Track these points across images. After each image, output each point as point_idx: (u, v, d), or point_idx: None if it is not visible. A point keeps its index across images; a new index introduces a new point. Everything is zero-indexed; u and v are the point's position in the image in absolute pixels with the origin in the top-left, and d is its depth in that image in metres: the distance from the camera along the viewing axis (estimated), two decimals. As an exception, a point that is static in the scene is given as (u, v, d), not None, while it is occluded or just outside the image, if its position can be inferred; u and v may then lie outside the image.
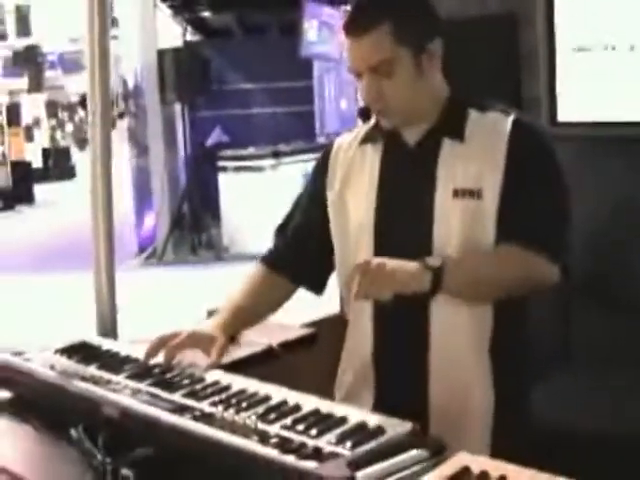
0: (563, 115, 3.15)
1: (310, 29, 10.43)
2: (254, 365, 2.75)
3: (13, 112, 18.80)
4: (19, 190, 17.09)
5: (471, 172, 2.01)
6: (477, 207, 2.00)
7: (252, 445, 1.54)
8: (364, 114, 2.28)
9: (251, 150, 10.26)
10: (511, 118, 2.06)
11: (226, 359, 2.76)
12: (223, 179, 9.98)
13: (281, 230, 2.37)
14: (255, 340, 2.90)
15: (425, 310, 2.04)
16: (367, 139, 2.19)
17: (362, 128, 2.25)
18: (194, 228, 10.15)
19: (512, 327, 2.10)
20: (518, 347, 2.16)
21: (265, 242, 2.50)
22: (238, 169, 9.93)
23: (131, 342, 2.36)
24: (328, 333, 2.59)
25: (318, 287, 2.32)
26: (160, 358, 2.06)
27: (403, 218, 2.08)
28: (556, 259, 2.02)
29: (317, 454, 1.50)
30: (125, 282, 2.92)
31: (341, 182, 2.19)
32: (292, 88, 11.35)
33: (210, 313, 3.01)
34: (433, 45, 2.04)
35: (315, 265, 2.29)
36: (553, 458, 2.74)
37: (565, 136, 3.17)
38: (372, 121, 2.20)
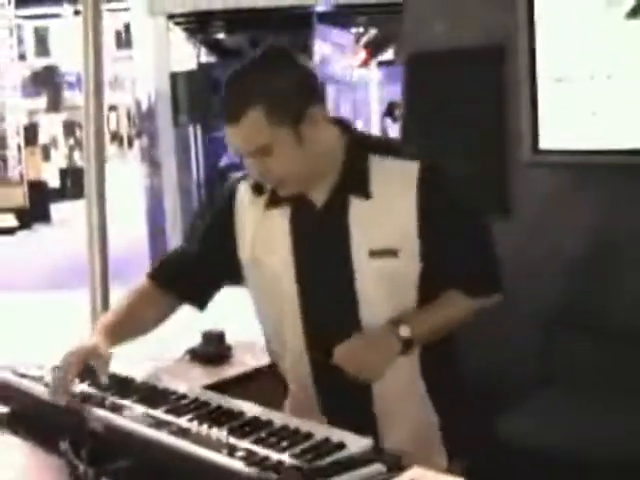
0: (545, 143, 3.24)
1: (320, 52, 10.57)
2: (244, 384, 2.88)
3: (31, 132, 19.05)
4: (36, 209, 17.29)
5: (384, 231, 2.03)
6: (395, 266, 2.04)
7: (220, 458, 1.65)
8: (256, 188, 2.22)
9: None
10: (416, 166, 2.04)
11: (218, 378, 2.89)
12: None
13: (174, 252, 2.43)
14: (246, 360, 3.03)
15: None
16: (271, 205, 2.15)
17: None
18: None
19: (440, 348, 2.17)
20: (448, 366, 2.25)
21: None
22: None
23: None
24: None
25: (202, 305, 2.36)
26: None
27: (324, 283, 2.10)
28: (493, 292, 2.20)
29: (278, 467, 1.61)
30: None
31: (252, 245, 2.18)
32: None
33: (205, 335, 3.14)
34: (312, 110, 2.00)
35: (202, 285, 2.32)
36: (526, 475, 2.86)
37: (546, 163, 3.28)
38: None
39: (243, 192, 2.23)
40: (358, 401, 2.13)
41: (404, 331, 2.03)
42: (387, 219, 2.03)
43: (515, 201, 3.46)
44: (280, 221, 2.14)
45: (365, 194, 2.05)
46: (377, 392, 2.13)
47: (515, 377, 3.26)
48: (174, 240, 10.34)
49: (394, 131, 12.43)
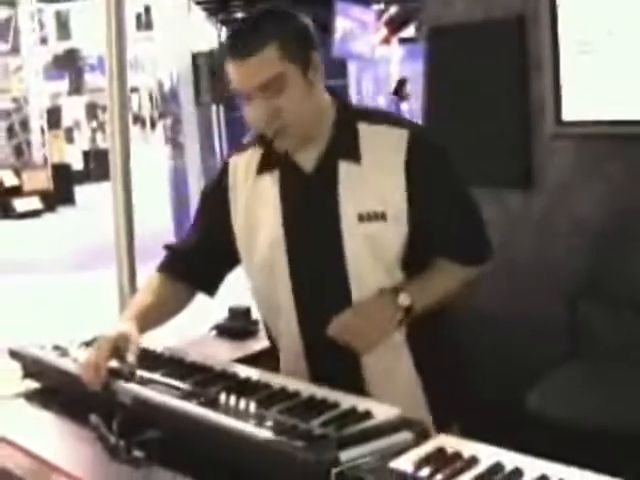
0: (568, 114, 3.23)
1: (341, 28, 10.54)
2: (271, 357, 2.90)
3: (54, 115, 19.12)
4: (60, 192, 17.38)
5: (373, 194, 2.05)
6: (382, 228, 2.05)
7: (249, 428, 1.68)
8: (261, 140, 2.21)
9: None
10: (406, 132, 2.07)
11: (245, 352, 2.91)
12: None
13: (176, 243, 2.43)
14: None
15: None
16: (262, 169, 2.18)
17: (255, 152, 2.21)
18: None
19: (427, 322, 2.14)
20: (436, 341, 2.23)
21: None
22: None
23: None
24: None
25: (211, 291, 2.37)
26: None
27: (313, 248, 2.11)
28: (485, 260, 2.22)
29: (307, 436, 1.63)
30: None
31: (245, 213, 2.20)
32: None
33: (232, 311, 3.16)
34: (315, 58, 2.05)
35: (207, 271, 2.33)
36: (560, 452, 2.86)
37: (570, 135, 3.27)
38: (262, 149, 2.18)
39: (235, 165, 2.25)
40: (347, 374, 2.11)
41: (404, 299, 2.04)
42: (376, 183, 2.05)
43: (538, 173, 3.45)
44: (270, 186, 2.16)
45: (355, 158, 2.07)
46: (366, 366, 2.13)
47: (540, 350, 3.27)
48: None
49: (402, 109, 12.35)
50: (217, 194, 2.27)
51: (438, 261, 2.15)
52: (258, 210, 2.17)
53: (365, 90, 14.84)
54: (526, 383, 3.01)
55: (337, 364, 2.10)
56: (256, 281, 2.24)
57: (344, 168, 2.07)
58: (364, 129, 2.09)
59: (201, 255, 2.32)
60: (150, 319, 2.25)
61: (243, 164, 2.23)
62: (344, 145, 2.09)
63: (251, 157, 2.21)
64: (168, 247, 2.41)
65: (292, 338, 2.20)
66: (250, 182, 2.20)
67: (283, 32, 2.00)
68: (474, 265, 2.21)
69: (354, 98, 12.47)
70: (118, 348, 2.07)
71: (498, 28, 3.45)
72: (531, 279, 3.47)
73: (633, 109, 3.13)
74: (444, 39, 3.69)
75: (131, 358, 2.05)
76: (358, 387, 2.08)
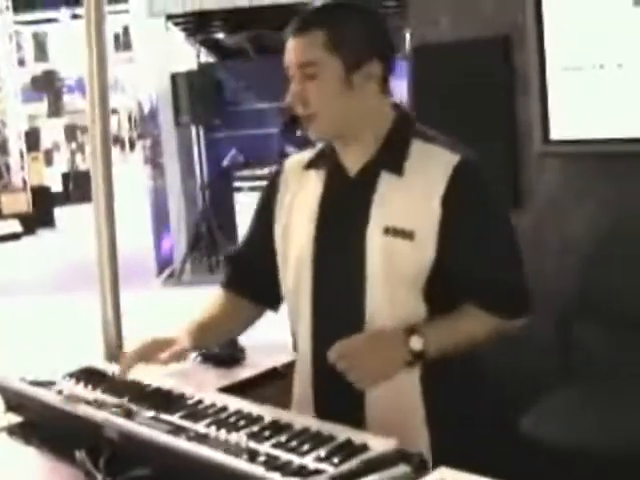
0: (555, 133, 3.21)
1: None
2: (259, 385, 2.84)
3: (32, 137, 19.00)
4: (40, 215, 17.26)
5: (405, 211, 2.00)
6: (406, 247, 1.98)
7: (241, 464, 1.62)
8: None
9: (266, 170, 10.36)
10: (457, 158, 2.01)
11: (232, 380, 2.86)
12: (239, 199, 10.09)
13: (236, 254, 2.39)
14: (259, 361, 2.99)
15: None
16: (311, 165, 2.19)
17: (310, 152, 2.24)
18: (211, 248, 10.24)
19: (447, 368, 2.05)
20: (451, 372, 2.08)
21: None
22: (253, 189, 10.03)
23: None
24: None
25: (274, 304, 2.34)
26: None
27: (338, 252, 2.08)
28: (518, 312, 2.07)
29: (302, 471, 1.57)
30: (143, 303, 3.00)
31: (287, 211, 2.19)
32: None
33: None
34: (371, 67, 2.03)
35: (269, 284, 2.26)
36: (554, 474, 2.82)
37: (557, 154, 3.25)
38: (318, 147, 2.22)
39: (289, 164, 2.27)
40: (350, 405, 2.04)
41: (415, 342, 1.94)
42: (412, 201, 1.99)
43: (527, 192, 3.42)
44: (314, 184, 2.16)
45: (397, 172, 2.03)
46: (369, 402, 2.05)
47: (532, 371, 3.22)
48: (179, 241, 10.32)
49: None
50: (266, 196, 2.29)
51: (468, 306, 2.02)
52: (297, 205, 2.17)
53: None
54: (518, 405, 2.96)
55: (341, 387, 1.99)
56: (286, 285, 2.21)
57: (385, 179, 2.04)
58: (417, 146, 2.05)
59: (254, 266, 2.30)
60: (209, 334, 2.27)
61: (296, 165, 2.24)
62: (391, 157, 2.06)
63: (305, 157, 2.23)
64: (229, 257, 2.42)
65: (305, 350, 2.16)
66: (297, 177, 2.21)
67: (340, 25, 2.02)
68: (507, 316, 2.05)
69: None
70: (161, 349, 2.14)
71: (485, 47, 3.43)
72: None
73: (620, 127, 3.11)
74: (429, 58, 3.66)
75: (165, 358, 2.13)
76: (358, 417, 2.02)
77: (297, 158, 2.27)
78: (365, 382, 1.97)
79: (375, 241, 2.01)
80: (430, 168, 2.01)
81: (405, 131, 2.09)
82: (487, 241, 2.02)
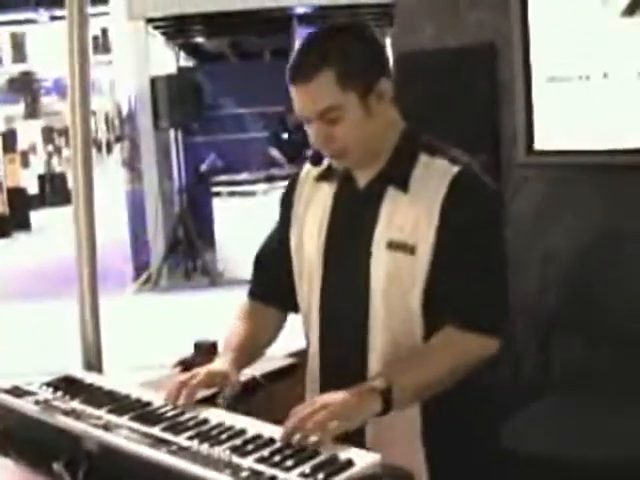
0: (539, 144, 3.19)
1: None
2: (238, 396, 2.80)
3: (9, 139, 18.83)
4: (15, 217, 17.11)
5: (409, 225, 1.99)
6: (409, 262, 1.98)
7: (224, 478, 1.58)
8: (315, 159, 2.22)
9: (245, 175, 10.32)
10: (454, 171, 2.00)
11: (212, 390, 2.81)
12: (217, 204, 10.03)
13: (259, 260, 2.39)
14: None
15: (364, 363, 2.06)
16: (322, 178, 2.19)
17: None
18: (188, 253, 10.19)
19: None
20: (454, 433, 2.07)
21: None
22: (232, 194, 9.98)
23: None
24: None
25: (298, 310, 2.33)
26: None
27: (345, 266, 2.10)
28: (495, 333, 1.99)
29: (286, 487, 1.54)
30: (119, 309, 2.95)
31: (300, 223, 2.21)
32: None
33: (197, 346, 3.05)
34: (381, 85, 2.01)
35: (293, 290, 2.27)
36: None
37: (541, 164, 3.23)
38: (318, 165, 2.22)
39: (306, 171, 2.27)
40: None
41: (380, 383, 1.85)
42: (415, 215, 1.99)
43: (509, 203, 3.40)
44: (325, 196, 2.17)
45: (403, 187, 2.03)
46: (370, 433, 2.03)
47: (515, 383, 3.21)
48: (156, 245, 10.25)
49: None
50: (283, 204, 2.31)
51: (446, 332, 1.96)
52: (309, 215, 2.19)
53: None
54: (500, 419, 2.94)
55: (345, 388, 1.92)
56: (300, 294, 2.23)
57: (391, 194, 2.04)
58: (423, 160, 2.04)
59: (279, 273, 2.28)
60: (249, 354, 2.25)
61: (313, 173, 2.24)
62: (397, 172, 2.05)
63: (321, 167, 2.22)
64: (254, 267, 2.39)
65: (313, 357, 2.19)
66: (310, 189, 2.22)
67: (345, 55, 1.97)
68: (479, 332, 1.96)
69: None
70: (213, 384, 2.08)
71: (469, 56, 3.41)
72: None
73: (604, 139, 3.10)
74: (413, 65, 3.63)
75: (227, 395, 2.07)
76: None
77: (311, 169, 2.26)
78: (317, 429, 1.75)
79: (379, 256, 2.02)
80: (432, 183, 2.01)
81: (412, 144, 2.08)
82: (474, 254, 1.99)
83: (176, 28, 11.35)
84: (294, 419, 1.77)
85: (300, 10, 10.50)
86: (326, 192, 2.17)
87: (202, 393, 2.09)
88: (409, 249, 1.98)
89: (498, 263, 2.03)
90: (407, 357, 1.99)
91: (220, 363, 2.18)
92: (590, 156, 3.15)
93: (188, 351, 3.07)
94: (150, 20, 10.36)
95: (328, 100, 1.96)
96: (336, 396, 1.84)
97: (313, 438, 1.73)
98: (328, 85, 1.95)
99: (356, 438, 1.83)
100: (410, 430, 2.04)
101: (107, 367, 2.76)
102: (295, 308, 2.32)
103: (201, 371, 2.11)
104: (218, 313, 2.52)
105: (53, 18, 20.51)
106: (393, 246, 2.00)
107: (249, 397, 2.34)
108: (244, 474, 1.60)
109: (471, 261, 1.99)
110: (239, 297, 2.43)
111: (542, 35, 3.16)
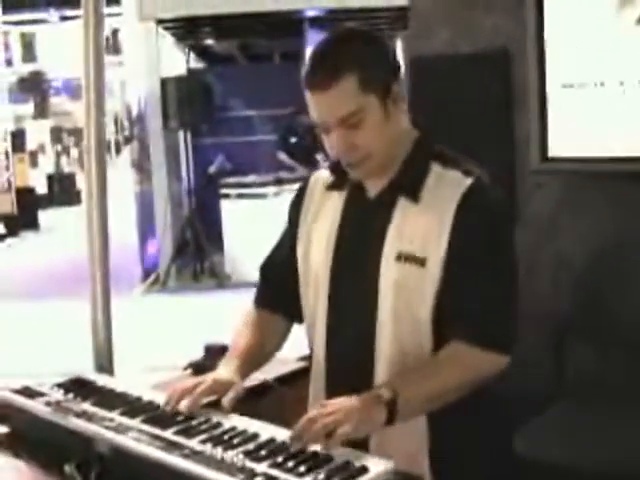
0: (553, 151, 3.18)
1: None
2: (250, 399, 2.79)
3: (18, 138, 18.84)
4: (24, 217, 17.13)
5: (419, 237, 1.97)
6: (418, 275, 1.95)
7: (238, 484, 1.58)
8: (335, 170, 2.19)
9: (253, 177, 10.32)
10: (466, 184, 1.97)
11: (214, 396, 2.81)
12: (225, 206, 10.03)
13: (266, 268, 2.37)
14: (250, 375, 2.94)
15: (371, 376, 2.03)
16: (333, 186, 2.17)
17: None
18: (197, 255, 10.19)
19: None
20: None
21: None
22: (240, 196, 9.98)
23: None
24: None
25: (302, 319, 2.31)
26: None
27: (353, 277, 2.07)
28: (503, 350, 1.96)
29: (301, 493, 1.54)
30: (128, 309, 2.94)
31: (307, 231, 2.19)
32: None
33: (207, 349, 3.05)
34: (396, 87, 1.99)
35: (299, 298, 2.25)
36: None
37: (555, 171, 3.22)
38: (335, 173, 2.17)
39: (317, 177, 2.24)
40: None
41: (386, 393, 1.83)
42: (426, 228, 1.96)
43: (523, 209, 3.39)
44: (335, 204, 2.14)
45: (414, 198, 2.00)
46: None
47: (528, 391, 3.19)
48: (165, 246, 10.25)
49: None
50: (291, 213, 2.28)
51: (455, 346, 1.94)
52: (318, 223, 2.16)
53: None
54: (512, 426, 2.93)
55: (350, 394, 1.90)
56: (305, 303, 2.21)
57: (401, 204, 2.01)
58: (435, 171, 2.01)
59: (289, 280, 2.25)
60: (254, 362, 2.22)
61: (323, 180, 2.21)
62: (408, 182, 2.02)
63: (329, 175, 2.20)
64: (260, 274, 2.37)
65: (318, 366, 2.16)
66: (319, 196, 2.19)
67: (363, 59, 1.95)
68: (487, 348, 1.93)
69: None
70: (216, 392, 2.04)
71: (483, 61, 3.40)
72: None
73: (620, 146, 3.09)
74: (426, 69, 3.62)
75: (227, 405, 2.00)
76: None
77: (322, 175, 2.23)
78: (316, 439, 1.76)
79: (388, 267, 1.99)
80: (443, 195, 1.98)
81: (425, 154, 2.05)
82: (484, 270, 1.96)
83: (186, 29, 11.34)
84: (303, 420, 1.77)
85: (311, 13, 10.48)
86: (336, 201, 2.15)
87: (206, 399, 2.06)
88: (419, 261, 1.96)
89: (509, 278, 2.01)
90: (414, 369, 1.97)
91: (226, 371, 2.15)
92: (604, 163, 3.13)
93: (198, 353, 3.07)
94: (161, 21, 10.36)
95: (351, 105, 1.93)
96: (346, 402, 1.83)
97: (321, 441, 1.73)
98: (350, 90, 1.92)
99: (359, 449, 1.79)
100: (416, 442, 2.01)
101: (117, 368, 2.76)
102: (301, 318, 2.29)
103: (207, 379, 2.08)
104: (226, 315, 2.50)
105: (63, 18, 20.52)
106: (402, 258, 1.97)
107: (259, 399, 2.33)
108: (258, 479, 1.59)
109: (482, 276, 1.96)
110: (247, 299, 2.42)
111: (557, 41, 3.15)
